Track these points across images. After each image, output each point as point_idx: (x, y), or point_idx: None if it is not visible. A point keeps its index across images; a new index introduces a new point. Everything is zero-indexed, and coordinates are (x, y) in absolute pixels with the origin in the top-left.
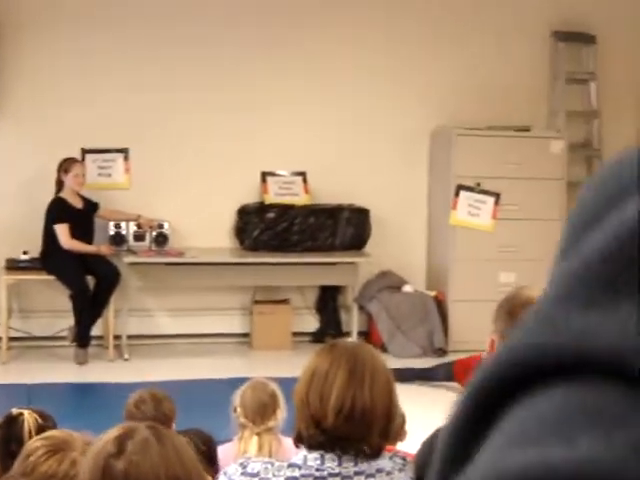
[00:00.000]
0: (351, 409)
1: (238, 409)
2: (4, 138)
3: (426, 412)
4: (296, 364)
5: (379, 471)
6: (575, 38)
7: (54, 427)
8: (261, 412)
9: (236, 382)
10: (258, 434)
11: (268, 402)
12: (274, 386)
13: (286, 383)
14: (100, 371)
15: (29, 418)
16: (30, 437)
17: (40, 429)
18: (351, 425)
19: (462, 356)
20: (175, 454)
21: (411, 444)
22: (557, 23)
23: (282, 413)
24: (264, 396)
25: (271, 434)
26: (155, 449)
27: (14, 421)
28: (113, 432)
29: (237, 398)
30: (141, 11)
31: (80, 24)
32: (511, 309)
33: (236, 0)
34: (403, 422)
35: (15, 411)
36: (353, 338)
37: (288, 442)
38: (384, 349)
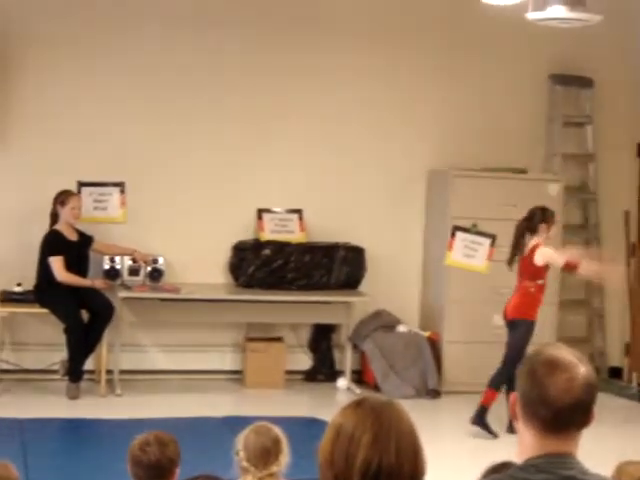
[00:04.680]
0: (377, 471)
1: (240, 453)
2: None
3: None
4: (288, 403)
5: None
6: (572, 81)
7: None
8: (264, 457)
9: (230, 421)
10: (260, 479)
11: (271, 447)
12: (278, 430)
13: (280, 423)
14: (92, 406)
15: None
16: None
17: None
18: None
19: (454, 398)
20: None
21: None
22: (554, 66)
23: (285, 458)
24: (267, 441)
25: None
26: None
27: None
28: None
29: (240, 441)
30: (142, 44)
31: (80, 57)
32: (531, 368)
33: (240, 43)
34: None
35: None
36: (346, 377)
37: None
38: (377, 389)
